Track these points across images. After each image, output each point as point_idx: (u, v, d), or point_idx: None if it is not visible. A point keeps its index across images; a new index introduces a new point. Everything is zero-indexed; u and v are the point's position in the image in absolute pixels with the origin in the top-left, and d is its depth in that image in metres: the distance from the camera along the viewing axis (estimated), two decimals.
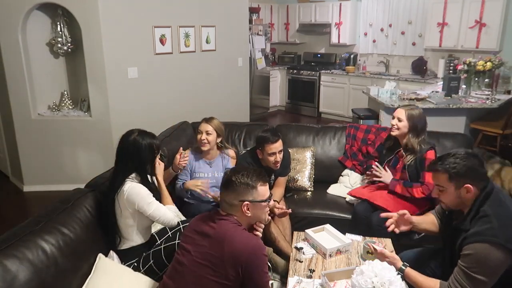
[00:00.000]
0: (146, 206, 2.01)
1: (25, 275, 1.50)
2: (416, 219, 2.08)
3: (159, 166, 2.28)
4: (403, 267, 1.83)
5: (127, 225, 2.06)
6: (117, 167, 2.11)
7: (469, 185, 1.67)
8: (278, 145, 2.67)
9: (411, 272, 1.81)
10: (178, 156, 2.63)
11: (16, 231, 1.68)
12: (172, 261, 1.76)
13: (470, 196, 1.70)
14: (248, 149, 3.05)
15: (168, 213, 2.12)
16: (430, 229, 2.06)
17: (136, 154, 2.06)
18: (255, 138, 2.88)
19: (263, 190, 1.70)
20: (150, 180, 2.18)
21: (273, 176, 2.93)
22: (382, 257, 1.90)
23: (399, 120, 2.68)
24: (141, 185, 2.04)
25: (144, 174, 2.11)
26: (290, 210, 2.64)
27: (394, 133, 2.70)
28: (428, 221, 2.08)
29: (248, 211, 1.67)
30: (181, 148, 2.70)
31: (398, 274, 1.72)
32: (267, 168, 2.78)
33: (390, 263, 1.81)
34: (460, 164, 1.68)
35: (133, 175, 2.07)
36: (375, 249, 1.98)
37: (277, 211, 2.58)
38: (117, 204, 2.03)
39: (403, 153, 2.67)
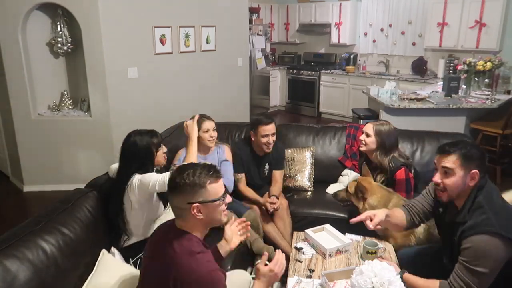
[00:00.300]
0: (154, 179, 2.06)
1: (25, 275, 1.50)
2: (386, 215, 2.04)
3: (192, 125, 2.54)
4: (400, 274, 1.77)
5: (136, 217, 2.14)
6: (121, 166, 2.19)
7: (476, 171, 1.67)
8: (271, 127, 2.76)
9: (409, 277, 1.78)
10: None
11: (16, 231, 1.69)
12: None
13: (472, 185, 1.70)
14: (242, 138, 3.11)
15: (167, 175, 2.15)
16: (397, 223, 2.04)
17: (136, 155, 2.14)
18: (250, 122, 2.97)
19: (214, 188, 1.48)
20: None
21: (267, 166, 2.96)
22: None
23: (367, 135, 2.58)
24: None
25: (147, 172, 2.15)
26: (278, 202, 2.72)
27: (362, 148, 2.64)
28: (397, 215, 2.05)
29: (199, 214, 1.47)
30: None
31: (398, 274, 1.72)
32: (259, 153, 2.86)
33: None
34: (473, 150, 1.70)
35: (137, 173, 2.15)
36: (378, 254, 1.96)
37: (269, 207, 2.68)
38: (127, 199, 2.10)
39: (369, 168, 2.52)
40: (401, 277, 1.75)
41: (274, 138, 2.82)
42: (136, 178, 2.10)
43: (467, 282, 1.61)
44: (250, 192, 2.86)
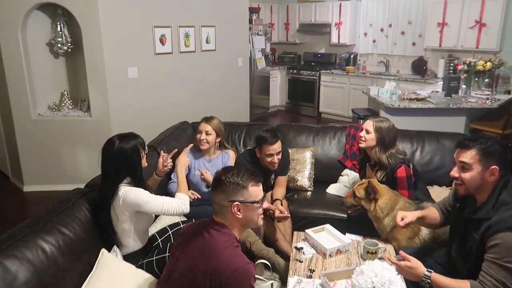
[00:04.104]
0: (145, 206, 2.00)
1: (25, 275, 1.50)
2: (419, 214, 2.07)
3: (181, 159, 2.46)
4: (428, 273, 1.71)
5: (124, 230, 2.04)
6: (107, 177, 2.05)
7: (496, 167, 1.66)
8: (276, 147, 2.67)
9: (437, 277, 1.71)
10: (161, 160, 2.46)
11: (16, 231, 1.68)
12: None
13: (492, 180, 1.68)
14: (248, 148, 3.05)
15: (169, 202, 2.08)
16: (432, 223, 2.06)
17: (125, 161, 2.02)
18: (255, 137, 2.88)
19: (255, 191, 1.60)
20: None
21: (272, 176, 2.93)
22: (401, 269, 1.78)
23: (367, 132, 2.56)
24: (135, 188, 2.02)
25: (137, 176, 2.08)
26: (288, 215, 2.63)
27: (362, 145, 2.61)
28: (432, 215, 2.07)
29: (238, 213, 1.57)
30: (162, 151, 2.58)
31: (423, 281, 1.70)
32: (266, 167, 2.79)
33: (411, 271, 1.74)
34: (493, 146, 1.68)
35: (127, 179, 2.05)
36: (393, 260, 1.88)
37: (277, 213, 2.57)
38: (112, 211, 2.01)
39: (371, 168, 2.52)
40: (429, 277, 1.71)
41: (280, 156, 2.72)
42: (122, 191, 1.99)
43: (500, 280, 1.56)
44: None
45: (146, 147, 2.20)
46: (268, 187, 2.97)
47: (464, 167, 1.71)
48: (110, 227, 2.03)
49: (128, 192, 1.98)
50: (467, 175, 1.70)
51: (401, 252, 1.83)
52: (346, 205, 2.45)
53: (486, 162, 1.67)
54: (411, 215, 2.07)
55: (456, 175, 1.75)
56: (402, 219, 2.07)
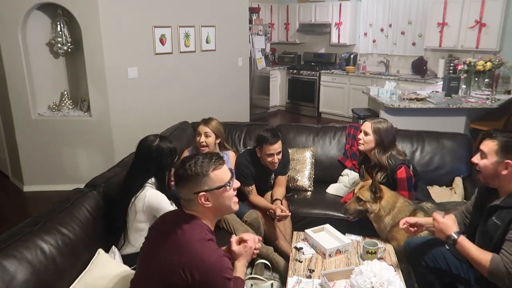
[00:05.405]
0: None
1: (23, 275, 1.50)
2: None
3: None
4: (455, 235, 1.75)
5: (137, 229, 2.07)
6: (136, 171, 2.11)
7: (509, 162, 1.70)
8: (276, 147, 2.66)
9: (464, 241, 1.74)
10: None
11: (15, 231, 1.68)
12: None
13: (505, 174, 1.72)
14: (248, 148, 3.05)
15: None
16: None
17: (158, 159, 2.09)
18: (255, 137, 2.88)
19: (218, 175, 1.50)
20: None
21: (273, 176, 2.93)
22: (434, 222, 1.85)
23: (366, 134, 2.55)
24: (160, 193, 2.07)
25: (163, 179, 2.13)
26: (289, 213, 2.63)
27: (361, 147, 2.59)
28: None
29: (207, 202, 1.49)
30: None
31: (449, 238, 1.76)
32: (266, 167, 2.79)
33: (440, 230, 1.79)
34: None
35: (152, 180, 2.10)
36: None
37: (279, 212, 2.57)
38: (132, 207, 2.04)
39: (370, 169, 2.51)
40: (456, 239, 1.74)
41: (280, 156, 2.72)
42: (149, 193, 2.03)
43: None
44: (262, 202, 2.77)
45: (177, 156, 2.23)
46: (268, 187, 2.97)
47: (482, 155, 1.80)
48: (123, 222, 2.06)
49: (153, 197, 2.03)
50: (481, 163, 1.79)
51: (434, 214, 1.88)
52: (350, 212, 2.36)
53: (502, 154, 1.72)
54: (426, 219, 2.08)
55: (476, 161, 1.83)
56: (408, 223, 2.08)
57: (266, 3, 7.90)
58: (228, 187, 1.53)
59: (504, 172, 1.72)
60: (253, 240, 1.72)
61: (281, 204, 2.71)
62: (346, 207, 2.38)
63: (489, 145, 1.76)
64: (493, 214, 1.76)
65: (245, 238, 1.73)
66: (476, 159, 1.83)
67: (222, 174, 1.52)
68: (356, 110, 5.22)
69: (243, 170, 2.77)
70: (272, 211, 2.62)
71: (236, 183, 1.59)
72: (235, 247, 1.69)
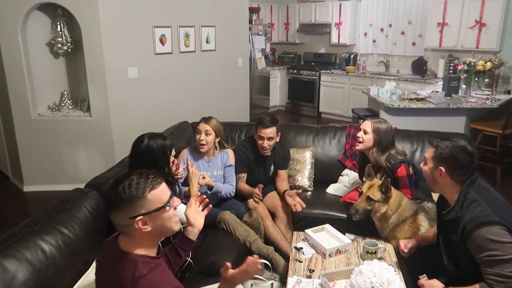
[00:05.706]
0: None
1: (24, 275, 1.50)
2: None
3: (196, 173, 2.48)
4: None
5: None
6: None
7: (442, 169, 1.78)
8: (268, 131, 2.74)
9: None
10: (173, 168, 2.34)
11: (15, 231, 1.68)
12: None
13: (440, 180, 1.80)
14: (248, 136, 3.11)
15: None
16: (432, 240, 2.09)
17: (151, 158, 2.08)
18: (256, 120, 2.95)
19: (156, 195, 1.33)
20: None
21: (272, 167, 2.96)
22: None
23: (365, 132, 2.55)
24: None
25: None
26: (304, 205, 2.68)
27: (358, 147, 2.59)
28: (431, 233, 2.12)
29: (145, 226, 1.31)
30: (176, 159, 2.47)
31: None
32: (265, 156, 2.86)
33: None
34: (447, 150, 1.78)
35: None
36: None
37: (256, 190, 2.71)
38: None
39: (371, 170, 2.45)
40: None
41: (271, 143, 2.78)
42: None
43: (498, 273, 1.57)
44: (246, 188, 2.86)
45: (174, 151, 2.21)
46: (267, 178, 2.99)
47: (424, 161, 1.91)
48: None
49: None
50: (423, 168, 1.91)
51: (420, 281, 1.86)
52: (359, 212, 2.28)
53: (436, 162, 1.81)
54: (412, 241, 2.15)
55: (421, 166, 1.94)
56: (406, 246, 2.14)
57: (266, 3, 7.90)
58: (168, 208, 1.36)
59: (439, 178, 1.80)
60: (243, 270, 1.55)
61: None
62: (356, 207, 2.30)
63: (429, 152, 1.87)
64: (450, 231, 1.77)
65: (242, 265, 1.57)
66: (422, 164, 1.93)
67: (161, 193, 1.35)
68: (356, 110, 5.22)
69: (239, 155, 2.88)
70: (256, 194, 2.74)
71: (176, 201, 1.42)
72: (224, 273, 1.54)
